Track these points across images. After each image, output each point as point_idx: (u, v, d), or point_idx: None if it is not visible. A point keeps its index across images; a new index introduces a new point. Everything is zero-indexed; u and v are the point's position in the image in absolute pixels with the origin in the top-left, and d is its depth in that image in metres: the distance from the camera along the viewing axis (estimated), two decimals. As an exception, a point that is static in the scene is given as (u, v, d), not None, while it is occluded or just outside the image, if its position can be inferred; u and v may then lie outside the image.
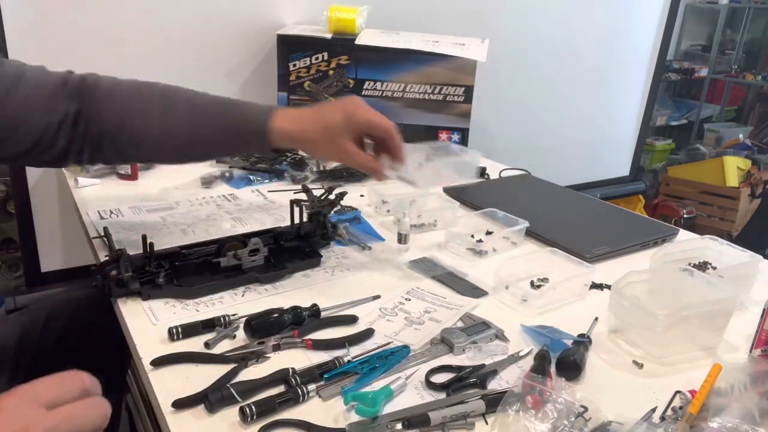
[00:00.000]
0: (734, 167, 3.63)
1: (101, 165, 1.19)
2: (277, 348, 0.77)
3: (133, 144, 0.91)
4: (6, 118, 0.84)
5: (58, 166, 1.06)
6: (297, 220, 1.04)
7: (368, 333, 0.82)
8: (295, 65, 1.61)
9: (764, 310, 0.77)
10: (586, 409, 0.66)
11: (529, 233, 1.14)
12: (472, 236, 1.11)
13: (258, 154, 1.25)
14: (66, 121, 0.87)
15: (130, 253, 0.89)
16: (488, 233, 1.14)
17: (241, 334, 0.80)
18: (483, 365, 0.76)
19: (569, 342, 0.79)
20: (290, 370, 0.72)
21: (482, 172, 1.53)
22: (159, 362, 0.73)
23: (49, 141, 0.87)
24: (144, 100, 0.90)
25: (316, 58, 1.61)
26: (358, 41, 1.57)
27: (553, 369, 0.74)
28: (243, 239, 0.97)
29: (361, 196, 1.34)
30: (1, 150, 0.86)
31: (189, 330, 0.79)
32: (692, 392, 0.72)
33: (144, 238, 0.90)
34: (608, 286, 0.96)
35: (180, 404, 0.66)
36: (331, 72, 1.62)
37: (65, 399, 0.45)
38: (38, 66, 0.90)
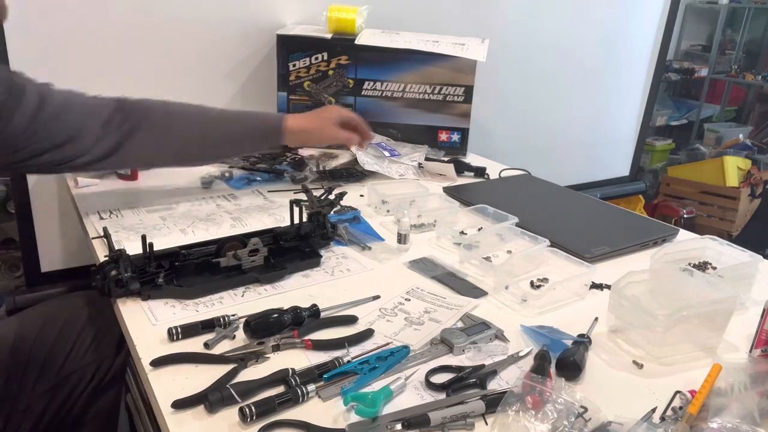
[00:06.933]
0: (734, 167, 3.63)
1: None
2: (276, 348, 0.77)
3: (170, 161, 1.18)
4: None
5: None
6: (297, 220, 1.04)
7: (368, 333, 0.82)
8: (294, 65, 1.61)
9: (764, 310, 0.77)
10: (585, 409, 0.66)
11: (528, 233, 1.14)
12: (462, 232, 1.13)
13: (270, 149, 1.42)
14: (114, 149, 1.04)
15: (130, 254, 0.89)
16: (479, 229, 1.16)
17: (240, 334, 0.80)
18: (483, 365, 0.76)
19: (569, 342, 0.79)
20: (290, 371, 0.72)
21: (482, 171, 1.53)
22: (158, 362, 0.73)
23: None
24: (187, 125, 1.13)
25: (316, 58, 1.61)
26: (358, 41, 1.57)
27: (552, 369, 0.74)
28: (243, 239, 0.97)
29: (361, 196, 1.34)
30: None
31: (188, 330, 0.79)
32: (692, 392, 0.72)
33: (144, 238, 0.90)
34: (608, 286, 0.96)
35: (179, 404, 0.66)
36: (330, 72, 1.62)
37: None
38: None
